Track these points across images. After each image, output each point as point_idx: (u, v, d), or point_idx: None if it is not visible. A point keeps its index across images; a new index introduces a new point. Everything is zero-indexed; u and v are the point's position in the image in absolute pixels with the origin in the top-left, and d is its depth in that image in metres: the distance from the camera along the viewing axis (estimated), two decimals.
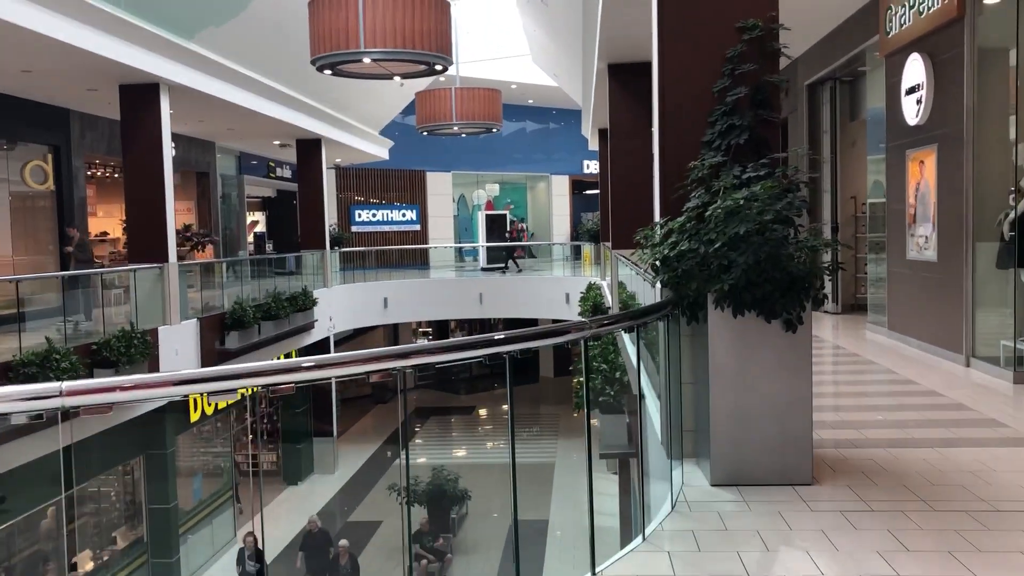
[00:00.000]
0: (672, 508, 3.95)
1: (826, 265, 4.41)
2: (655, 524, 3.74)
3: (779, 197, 4.16)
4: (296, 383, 2.63)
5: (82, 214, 15.49)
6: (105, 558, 13.70)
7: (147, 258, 13.01)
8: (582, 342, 3.25)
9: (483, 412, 29.08)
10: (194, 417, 14.90)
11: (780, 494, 4.12)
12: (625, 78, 12.58)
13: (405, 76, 13.76)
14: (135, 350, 11.06)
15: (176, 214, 20.71)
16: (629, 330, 3.79)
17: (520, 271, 25.82)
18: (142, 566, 13.66)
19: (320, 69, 12.76)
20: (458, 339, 3.04)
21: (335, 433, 21.88)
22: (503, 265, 25.95)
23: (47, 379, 9.12)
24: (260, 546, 13.19)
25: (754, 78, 4.65)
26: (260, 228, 27.15)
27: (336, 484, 20.89)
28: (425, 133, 20.88)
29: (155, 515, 13.75)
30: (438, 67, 12.93)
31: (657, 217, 4.97)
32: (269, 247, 25.40)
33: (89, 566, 13.36)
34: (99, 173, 17.82)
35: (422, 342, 32.04)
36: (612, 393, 7.28)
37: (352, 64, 12.75)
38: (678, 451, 4.57)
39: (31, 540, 12.84)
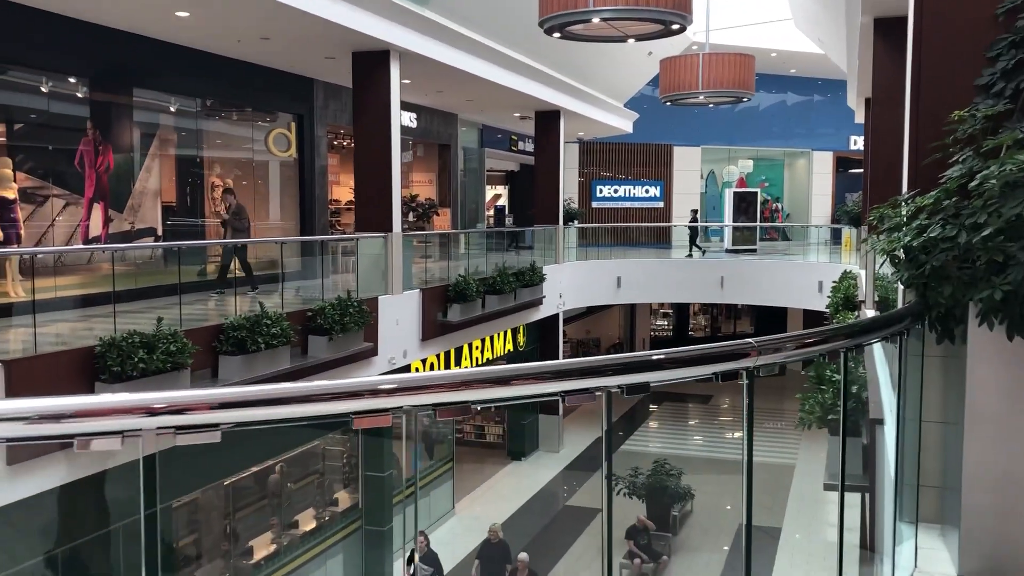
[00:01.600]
0: None
1: None
2: None
3: None
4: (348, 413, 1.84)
5: (323, 182, 15.94)
6: (326, 518, 14.05)
7: (373, 227, 13.01)
8: (743, 373, 2.19)
9: (722, 403, 27.44)
10: None
11: None
12: (891, 34, 10.72)
13: (639, 38, 12.68)
14: (350, 319, 10.97)
15: (417, 186, 21.18)
16: (831, 355, 2.61)
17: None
18: (356, 531, 13.86)
19: (549, 32, 12.02)
20: (551, 364, 2.07)
21: (562, 411, 21.39)
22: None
23: (255, 344, 9.15)
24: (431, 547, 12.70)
25: None
26: (502, 202, 27.20)
27: (559, 464, 20.43)
28: (669, 103, 19.66)
29: (370, 482, 13.89)
30: (675, 26, 11.77)
31: (905, 190, 3.67)
32: (509, 221, 25.33)
33: (310, 526, 13.75)
34: (343, 143, 18.34)
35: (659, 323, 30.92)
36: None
37: (581, 25, 11.92)
38: (912, 512, 3.31)
39: (260, 495, 13.41)
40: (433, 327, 13.87)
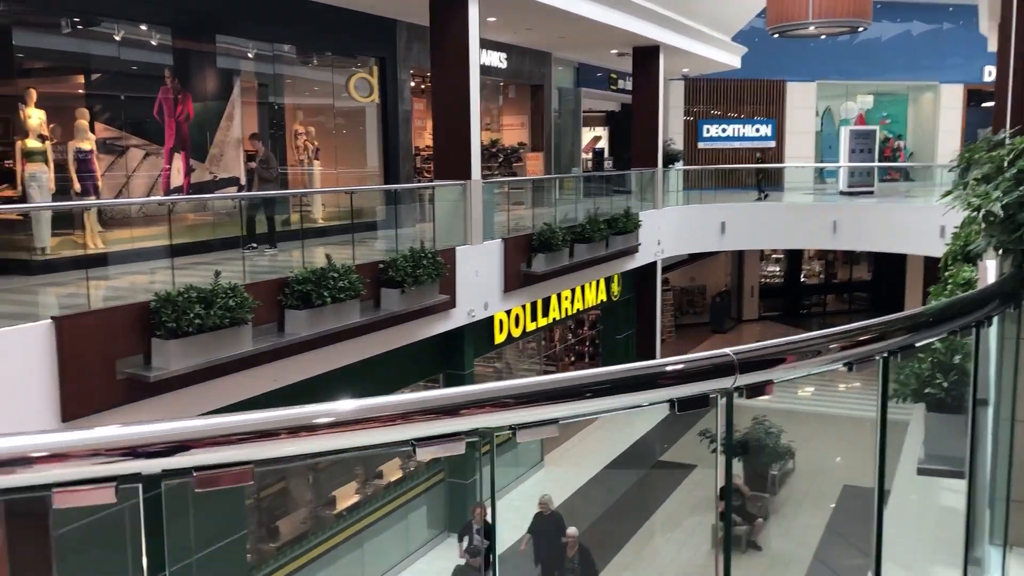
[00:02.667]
0: None
1: None
2: None
3: None
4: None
5: (407, 128, 15.53)
6: (411, 469, 13.95)
7: (452, 174, 12.55)
8: (719, 399, 1.58)
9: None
10: (499, 339, 14.52)
11: None
12: None
13: None
14: (423, 271, 10.58)
15: (508, 129, 20.57)
16: (855, 363, 1.92)
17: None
18: (440, 483, 13.72)
19: None
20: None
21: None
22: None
23: (320, 298, 8.88)
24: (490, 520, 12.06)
25: None
26: (601, 144, 26.28)
27: (654, 417, 19.78)
28: (776, 35, 18.33)
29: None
30: None
31: (1008, 127, 2.88)
32: (608, 164, 24.46)
33: (396, 475, 13.69)
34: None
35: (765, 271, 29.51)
36: (945, 385, 5.15)
37: None
38: (1000, 533, 2.63)
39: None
40: (516, 278, 13.39)
